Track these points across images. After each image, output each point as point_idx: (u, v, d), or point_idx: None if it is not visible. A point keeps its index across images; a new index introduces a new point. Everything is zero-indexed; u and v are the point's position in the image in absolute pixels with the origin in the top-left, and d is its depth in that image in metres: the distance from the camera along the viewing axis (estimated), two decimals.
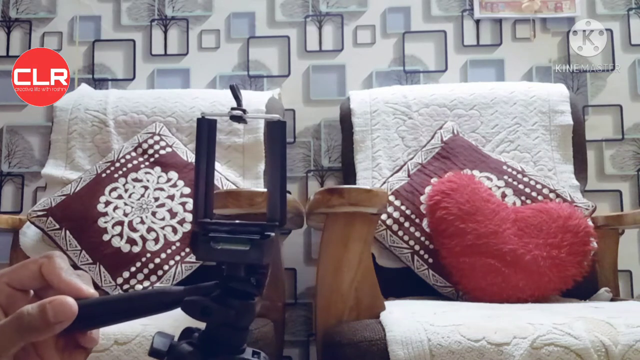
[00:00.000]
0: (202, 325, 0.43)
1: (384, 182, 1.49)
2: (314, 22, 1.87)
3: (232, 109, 0.45)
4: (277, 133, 0.44)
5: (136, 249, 1.40)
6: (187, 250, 1.41)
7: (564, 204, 1.40)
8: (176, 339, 0.43)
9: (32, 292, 0.43)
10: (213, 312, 0.41)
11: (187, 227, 1.43)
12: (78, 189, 1.49)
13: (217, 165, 1.56)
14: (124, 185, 1.49)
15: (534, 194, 1.44)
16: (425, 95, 1.63)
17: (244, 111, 0.45)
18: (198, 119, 0.44)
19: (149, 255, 1.40)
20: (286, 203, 0.43)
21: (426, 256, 1.40)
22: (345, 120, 1.66)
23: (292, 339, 1.75)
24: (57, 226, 1.44)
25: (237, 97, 0.46)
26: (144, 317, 0.43)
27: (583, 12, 1.83)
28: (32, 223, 1.46)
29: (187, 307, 0.41)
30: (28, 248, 1.50)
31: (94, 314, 0.42)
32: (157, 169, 1.52)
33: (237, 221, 0.43)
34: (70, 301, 0.40)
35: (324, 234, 1.07)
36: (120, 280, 1.38)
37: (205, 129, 0.44)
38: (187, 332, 0.44)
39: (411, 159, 1.53)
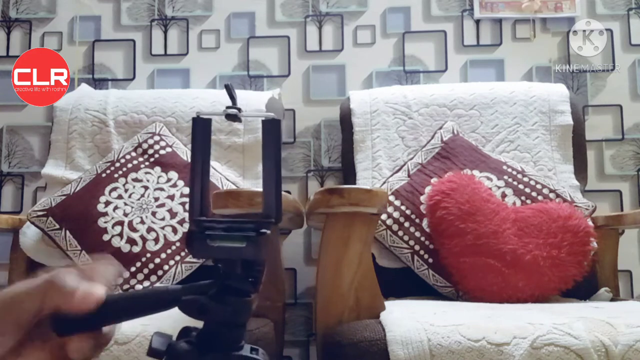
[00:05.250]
0: (200, 324, 0.43)
1: (384, 182, 1.49)
2: (314, 22, 1.87)
3: (228, 107, 0.45)
4: (272, 131, 0.45)
5: (136, 249, 1.40)
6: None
7: (564, 204, 1.40)
8: (174, 338, 0.43)
9: None
10: (210, 310, 0.41)
11: (187, 226, 1.43)
12: (78, 189, 1.49)
13: (217, 165, 1.56)
14: (124, 185, 1.49)
15: (534, 194, 1.44)
16: (425, 95, 1.63)
17: (239, 110, 0.45)
18: (193, 118, 0.45)
19: (149, 255, 1.40)
20: (281, 200, 0.44)
21: (426, 256, 1.40)
22: (345, 120, 1.65)
23: (292, 339, 1.75)
24: (57, 226, 1.44)
25: (232, 96, 0.46)
26: (143, 317, 0.43)
27: (583, 12, 1.83)
28: (32, 223, 1.46)
29: (185, 306, 0.42)
30: (28, 248, 1.50)
31: (93, 315, 0.42)
32: (157, 169, 1.52)
33: (232, 218, 0.43)
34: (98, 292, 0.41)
35: (324, 234, 1.07)
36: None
37: (201, 128, 0.45)
38: (185, 332, 0.44)
39: (411, 159, 1.53)
